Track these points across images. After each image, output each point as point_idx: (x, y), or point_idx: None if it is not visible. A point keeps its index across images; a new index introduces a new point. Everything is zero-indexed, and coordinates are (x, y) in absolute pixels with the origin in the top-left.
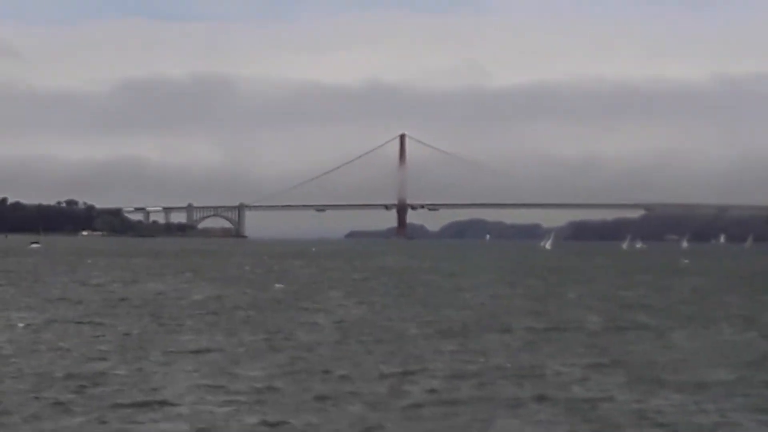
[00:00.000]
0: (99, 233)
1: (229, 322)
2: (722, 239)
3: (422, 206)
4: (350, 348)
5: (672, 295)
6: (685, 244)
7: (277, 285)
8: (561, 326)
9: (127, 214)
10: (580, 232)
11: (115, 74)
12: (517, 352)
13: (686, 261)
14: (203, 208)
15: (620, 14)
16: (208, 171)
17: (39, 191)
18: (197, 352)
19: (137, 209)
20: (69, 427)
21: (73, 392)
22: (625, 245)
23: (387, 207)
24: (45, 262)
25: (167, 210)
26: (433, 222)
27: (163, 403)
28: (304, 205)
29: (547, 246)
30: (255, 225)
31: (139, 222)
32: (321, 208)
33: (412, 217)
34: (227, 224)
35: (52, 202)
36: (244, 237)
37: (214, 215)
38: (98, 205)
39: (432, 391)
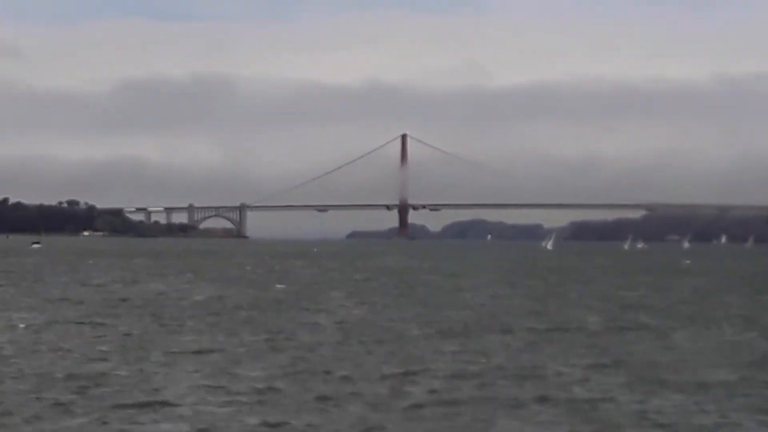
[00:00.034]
0: (100, 233)
1: (230, 323)
2: (723, 240)
3: (423, 206)
4: (351, 348)
5: (673, 296)
6: (686, 244)
7: (278, 285)
8: (562, 327)
9: (128, 215)
10: (581, 232)
11: (115, 74)
12: (518, 352)
13: (688, 261)
14: (204, 208)
15: (620, 14)
16: (209, 171)
17: (40, 191)
18: (198, 352)
19: (138, 209)
20: (70, 428)
21: (74, 393)
22: (626, 246)
23: (388, 207)
24: (46, 263)
25: (168, 210)
26: (434, 222)
27: (164, 404)
28: (305, 206)
29: (548, 246)
30: (256, 225)
31: (141, 222)
32: (322, 209)
33: (413, 217)
34: (228, 224)
35: (53, 202)
36: (246, 237)
37: (215, 215)
38: (99, 206)
39: (433, 391)
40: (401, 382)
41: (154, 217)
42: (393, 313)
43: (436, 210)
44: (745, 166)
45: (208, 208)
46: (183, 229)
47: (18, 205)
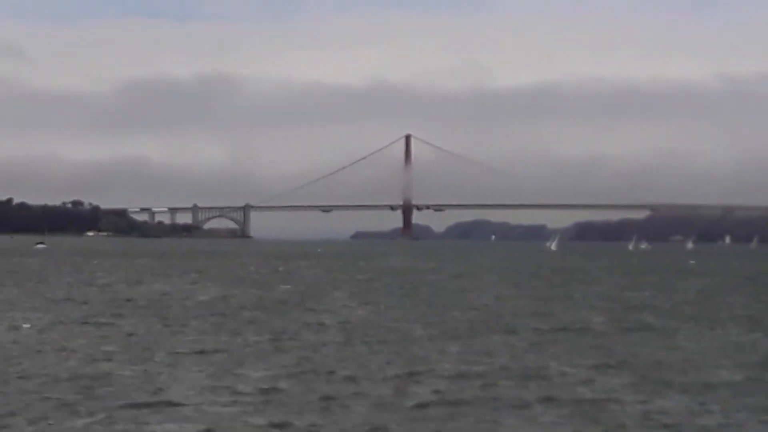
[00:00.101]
0: (104, 234)
1: (234, 323)
2: (727, 240)
3: (427, 207)
4: (355, 349)
5: (677, 296)
6: (690, 245)
7: (282, 286)
8: (566, 327)
9: (132, 215)
10: (585, 232)
11: (118, 74)
12: (522, 353)
13: (692, 262)
14: (208, 208)
15: (623, 14)
16: (213, 171)
17: (44, 192)
18: (202, 352)
19: (142, 210)
20: (75, 428)
21: (79, 393)
22: (631, 246)
23: (392, 208)
24: (50, 263)
25: (172, 210)
26: (438, 223)
27: (168, 404)
28: (309, 206)
29: (553, 247)
30: (260, 226)
31: (145, 222)
32: (326, 209)
33: (417, 217)
34: (232, 225)
35: (57, 202)
36: (250, 237)
37: (219, 216)
38: (103, 206)
39: (437, 392)
40: (405, 382)
41: (158, 218)
42: (397, 314)
43: (440, 210)
44: (748, 166)
45: (212, 208)
46: (187, 230)
47: (22, 206)
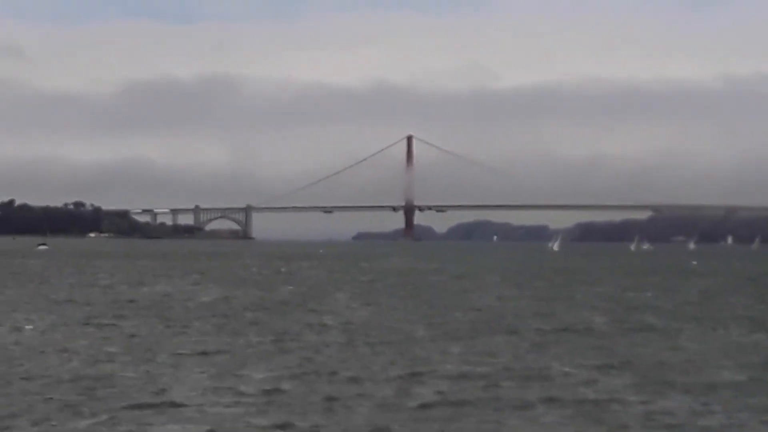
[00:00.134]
0: (106, 235)
1: (236, 324)
2: (730, 240)
3: (429, 208)
4: (358, 350)
5: (679, 297)
6: (692, 245)
7: (284, 287)
8: (568, 328)
9: (134, 216)
10: (587, 233)
11: (119, 75)
12: (524, 353)
13: (694, 262)
14: (210, 209)
15: (624, 14)
16: (215, 172)
17: (46, 193)
18: (205, 353)
19: (144, 211)
20: (78, 429)
21: (81, 394)
22: (633, 247)
23: (394, 208)
24: (52, 264)
25: (174, 212)
26: (440, 223)
27: (170, 405)
28: (311, 207)
29: (555, 247)
30: (262, 226)
31: (147, 224)
32: (328, 210)
33: (419, 218)
34: (234, 226)
35: (59, 203)
36: (252, 239)
37: (221, 217)
38: (105, 207)
39: (439, 392)
40: (408, 383)
41: (160, 219)
42: (399, 315)
43: (442, 211)
44: (749, 167)
45: (214, 209)
46: (189, 231)
47: (24, 207)
